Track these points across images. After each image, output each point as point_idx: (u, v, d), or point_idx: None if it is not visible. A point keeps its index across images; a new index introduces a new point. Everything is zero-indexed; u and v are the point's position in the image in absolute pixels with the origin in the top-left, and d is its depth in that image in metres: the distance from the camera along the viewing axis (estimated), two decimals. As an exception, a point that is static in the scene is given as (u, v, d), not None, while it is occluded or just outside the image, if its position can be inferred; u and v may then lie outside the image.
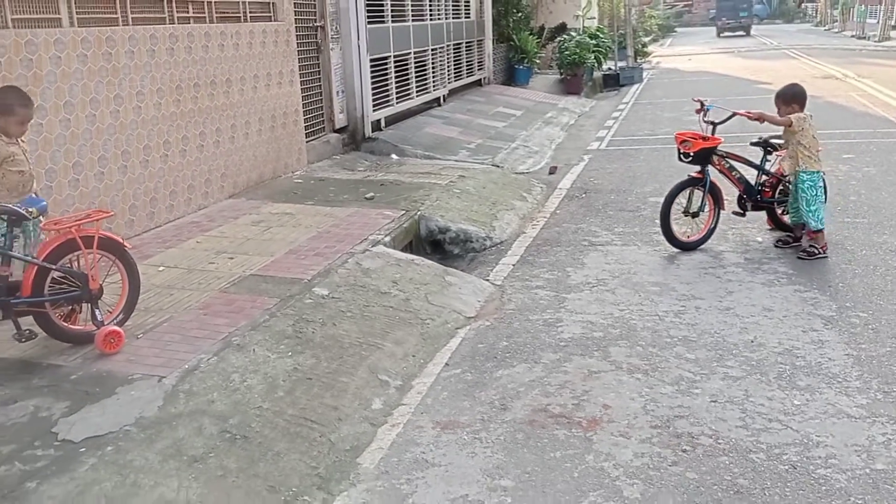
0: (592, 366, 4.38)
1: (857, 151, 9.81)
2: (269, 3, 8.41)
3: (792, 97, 6.03)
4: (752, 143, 6.53)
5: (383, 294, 5.26)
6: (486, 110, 13.88)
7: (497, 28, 18.19)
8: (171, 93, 6.66)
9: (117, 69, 6.03)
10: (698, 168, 6.19)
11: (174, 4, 6.88)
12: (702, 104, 6.33)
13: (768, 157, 6.40)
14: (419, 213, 7.10)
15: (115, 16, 6.20)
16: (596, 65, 19.84)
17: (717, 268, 5.89)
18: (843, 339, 4.54)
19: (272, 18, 8.43)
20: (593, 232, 7.06)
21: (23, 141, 4.38)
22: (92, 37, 5.79)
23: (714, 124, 6.23)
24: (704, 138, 6.14)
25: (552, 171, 9.95)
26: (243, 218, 6.83)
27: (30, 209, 4.04)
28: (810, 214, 5.90)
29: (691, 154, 6.10)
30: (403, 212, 7.05)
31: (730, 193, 6.61)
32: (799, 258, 5.94)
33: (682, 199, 6.25)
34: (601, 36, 20.26)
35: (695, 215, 6.25)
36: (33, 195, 4.28)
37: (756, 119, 6.09)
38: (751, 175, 6.45)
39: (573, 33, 19.57)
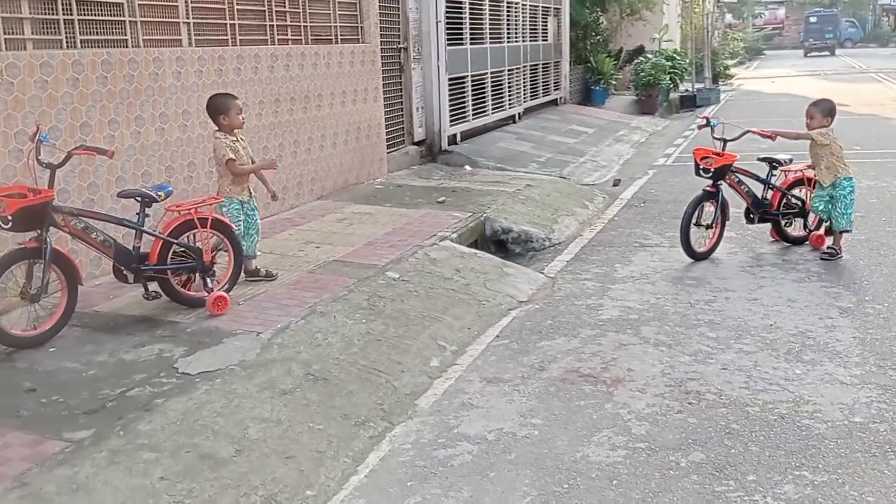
0: (623, 340, 5.02)
1: (918, 169, 10.08)
2: (357, 27, 9.35)
3: (830, 111, 6.47)
4: (759, 159, 6.95)
5: (447, 279, 6.02)
6: (559, 128, 14.56)
7: (574, 50, 18.89)
8: (271, 105, 7.61)
9: (226, 83, 7.01)
10: (711, 182, 6.52)
11: (275, 28, 7.86)
12: (707, 121, 6.75)
13: (773, 172, 6.83)
14: (485, 215, 7.85)
15: (225, 37, 7.20)
16: (672, 86, 20.25)
17: (755, 266, 6.43)
18: (853, 325, 5.06)
19: (360, 41, 9.36)
20: (645, 235, 7.66)
21: (242, 138, 5.45)
22: (207, 55, 6.78)
23: (725, 141, 6.58)
24: (719, 154, 6.48)
25: (616, 183, 10.56)
26: (329, 216, 7.71)
27: (158, 193, 4.96)
28: (845, 217, 6.41)
29: (712, 170, 6.44)
30: (470, 214, 7.81)
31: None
32: (822, 259, 6.44)
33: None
34: (677, 58, 20.67)
35: (708, 227, 6.60)
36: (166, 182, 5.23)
37: (769, 136, 6.56)
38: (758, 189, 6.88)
39: (650, 56, 20.09)
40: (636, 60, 20.25)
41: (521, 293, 6.06)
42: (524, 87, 14.99)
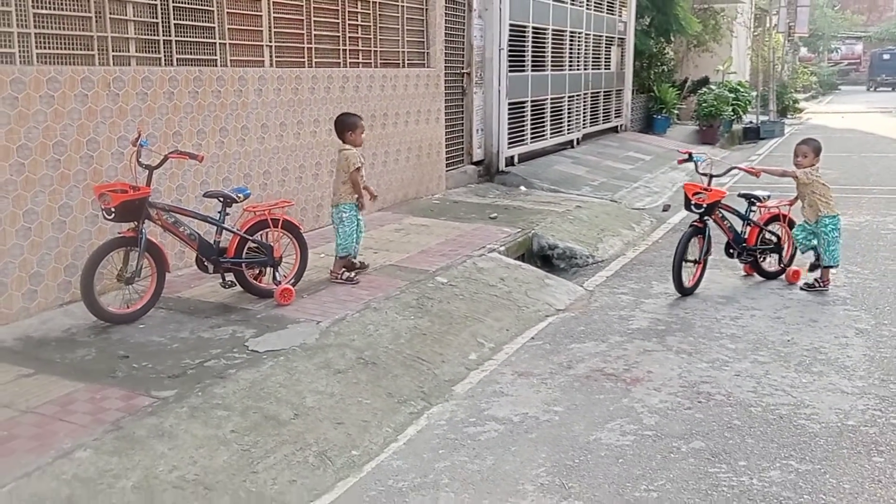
0: (648, 347, 5.47)
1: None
2: (424, 52, 10.01)
3: (819, 150, 6.67)
4: (739, 195, 7.06)
5: (491, 286, 6.55)
6: (617, 154, 14.97)
7: (638, 79, 19.29)
8: (340, 122, 8.29)
9: (301, 101, 7.71)
10: (698, 218, 6.57)
11: (348, 52, 8.56)
12: (689, 155, 6.90)
13: (752, 208, 6.93)
14: (533, 231, 8.37)
15: (302, 60, 7.92)
16: (734, 117, 20.44)
17: (784, 289, 6.78)
18: (866, 344, 5.40)
19: (426, 66, 10.01)
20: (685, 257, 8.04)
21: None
22: (285, 75, 7.50)
23: (711, 176, 6.66)
24: (706, 190, 6.52)
25: (665, 208, 10.94)
26: (388, 226, 8.33)
27: (238, 195, 5.64)
28: (828, 253, 6.61)
29: (704, 206, 6.50)
30: (520, 230, 8.34)
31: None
32: (802, 289, 6.71)
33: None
34: (741, 90, 20.86)
35: (695, 262, 6.68)
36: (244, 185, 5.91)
37: (754, 174, 6.74)
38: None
39: (713, 87, 20.34)
40: (700, 91, 20.53)
41: (559, 302, 6.55)
42: (584, 113, 15.47)
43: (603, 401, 4.61)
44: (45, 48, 5.43)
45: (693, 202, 6.57)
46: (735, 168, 6.90)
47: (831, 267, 6.70)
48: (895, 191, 11.63)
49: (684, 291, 6.62)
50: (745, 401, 4.54)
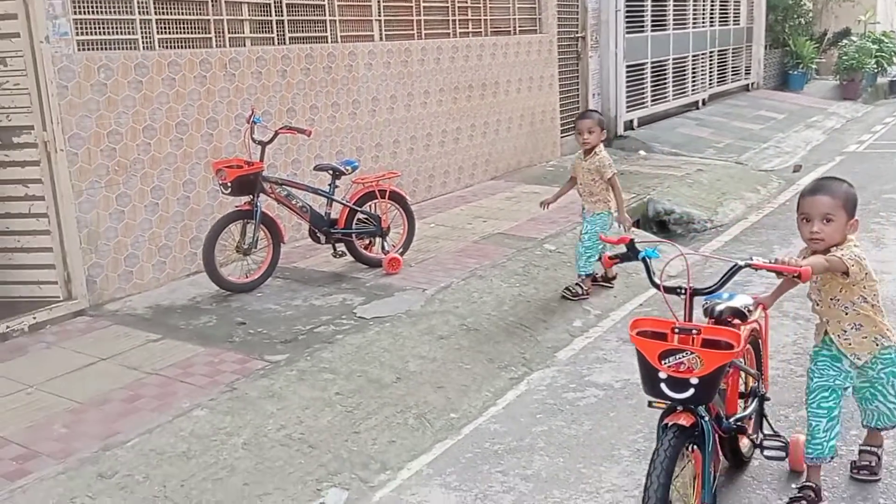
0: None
1: None
2: (536, 18, 9.89)
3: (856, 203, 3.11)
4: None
5: (600, 252, 6.46)
6: (746, 114, 14.30)
7: (772, 34, 18.29)
8: (451, 92, 8.36)
9: (411, 73, 7.82)
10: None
11: (457, 22, 8.59)
12: (630, 248, 3.23)
13: None
14: (648, 196, 8.17)
15: (412, 32, 8.01)
16: (879, 70, 19.06)
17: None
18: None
19: (538, 31, 9.90)
20: (812, 220, 7.65)
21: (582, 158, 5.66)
22: (395, 48, 7.62)
23: (691, 293, 3.20)
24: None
25: (796, 169, 10.40)
26: (499, 194, 8.35)
27: (346, 167, 5.81)
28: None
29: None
30: (634, 195, 8.15)
31: None
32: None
33: None
34: (885, 41, 19.38)
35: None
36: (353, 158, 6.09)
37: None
38: None
39: (854, 38, 19.03)
40: (840, 43, 19.26)
41: (670, 268, 6.37)
42: (709, 72, 14.85)
43: (709, 368, 4.49)
44: (165, 33, 5.76)
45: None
46: (740, 265, 3.02)
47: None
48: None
49: None
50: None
